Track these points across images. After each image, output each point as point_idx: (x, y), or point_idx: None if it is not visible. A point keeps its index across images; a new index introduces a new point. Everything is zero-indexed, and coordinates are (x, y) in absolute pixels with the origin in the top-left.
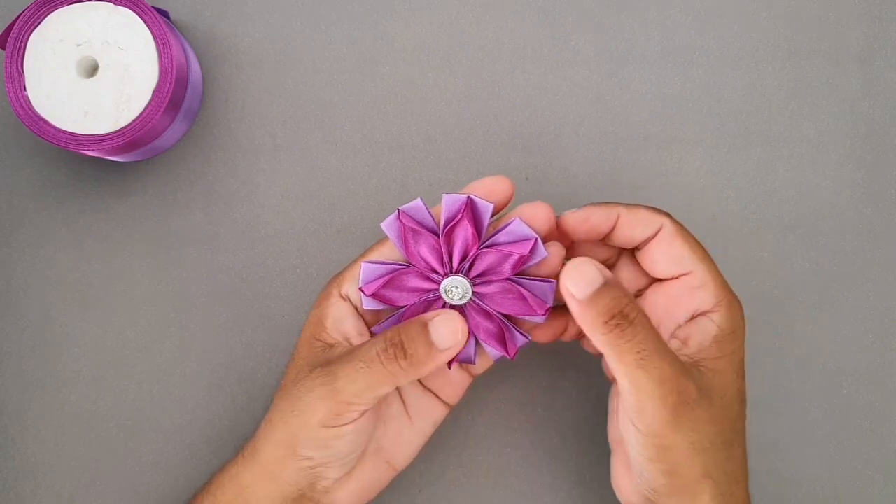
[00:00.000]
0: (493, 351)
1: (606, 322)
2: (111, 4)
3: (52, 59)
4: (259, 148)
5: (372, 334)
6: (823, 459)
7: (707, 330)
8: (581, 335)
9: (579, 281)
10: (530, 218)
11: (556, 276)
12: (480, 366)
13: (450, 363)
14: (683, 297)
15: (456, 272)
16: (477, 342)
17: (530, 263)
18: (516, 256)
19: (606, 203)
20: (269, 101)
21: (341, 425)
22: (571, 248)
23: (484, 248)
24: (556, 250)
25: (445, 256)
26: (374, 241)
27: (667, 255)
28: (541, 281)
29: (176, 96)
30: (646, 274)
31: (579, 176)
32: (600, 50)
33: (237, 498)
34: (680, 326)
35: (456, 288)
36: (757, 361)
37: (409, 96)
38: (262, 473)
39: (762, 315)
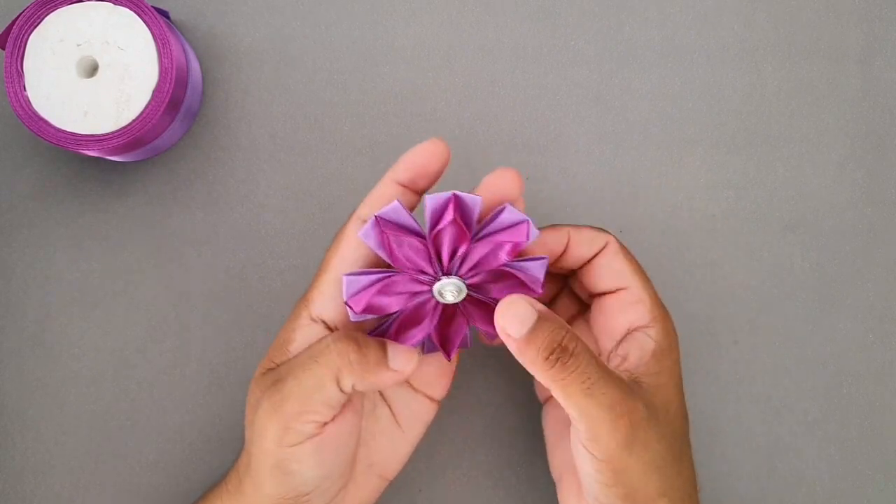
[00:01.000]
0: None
1: (547, 358)
2: (111, 4)
3: (51, 58)
4: (259, 148)
5: None
6: (823, 459)
7: (645, 345)
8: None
9: (513, 321)
10: (498, 185)
11: (548, 253)
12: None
13: (448, 354)
14: (620, 312)
15: (447, 272)
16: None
17: (523, 246)
18: (509, 245)
19: (556, 226)
20: (269, 101)
21: (297, 444)
22: None
23: (476, 240)
24: (551, 232)
25: (434, 257)
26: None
27: (608, 268)
28: (532, 260)
29: (176, 96)
30: (579, 301)
31: (579, 176)
32: (600, 50)
33: None
34: (619, 343)
35: (449, 290)
36: (757, 361)
37: (409, 96)
38: None
39: (762, 315)
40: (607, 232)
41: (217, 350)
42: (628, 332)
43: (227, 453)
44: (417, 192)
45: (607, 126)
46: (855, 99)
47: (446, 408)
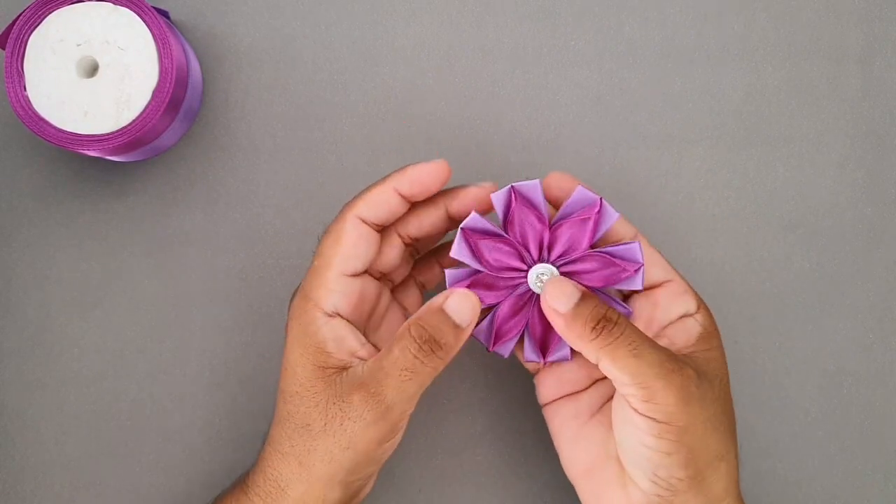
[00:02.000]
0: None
1: (594, 328)
2: (111, 4)
3: (52, 58)
4: (259, 148)
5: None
6: (823, 459)
7: (692, 329)
8: None
9: (560, 297)
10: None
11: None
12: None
13: (544, 359)
14: (669, 302)
15: (539, 261)
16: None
17: (604, 227)
18: (591, 220)
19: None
20: (269, 101)
21: (395, 435)
22: None
23: (555, 225)
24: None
25: (523, 251)
26: None
27: (650, 264)
28: (623, 245)
29: (176, 96)
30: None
31: (579, 176)
32: (600, 50)
33: None
34: (664, 328)
35: (544, 275)
36: (757, 361)
37: (409, 96)
38: None
39: (762, 315)
40: (632, 225)
41: (217, 350)
42: (679, 319)
43: (227, 453)
44: (411, 202)
45: (607, 126)
46: (855, 99)
47: (446, 408)
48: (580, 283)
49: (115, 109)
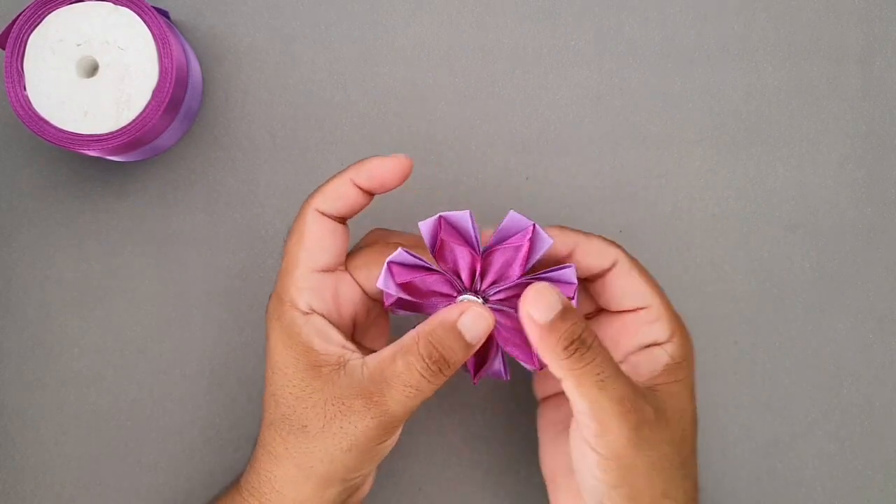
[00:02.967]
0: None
1: (566, 347)
2: (111, 4)
3: (51, 58)
4: (259, 148)
5: (351, 335)
6: (823, 459)
7: (658, 359)
8: None
9: (540, 306)
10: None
11: (567, 258)
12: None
13: (475, 377)
14: (638, 329)
15: (471, 289)
16: (503, 356)
17: (537, 255)
18: (524, 248)
19: (564, 228)
20: (269, 101)
21: (396, 432)
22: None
23: (486, 252)
24: (557, 233)
25: (453, 276)
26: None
27: (624, 289)
28: (560, 269)
29: (176, 96)
30: (593, 302)
31: (579, 176)
32: (600, 50)
33: None
34: (629, 354)
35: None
36: (757, 361)
37: (409, 96)
38: None
39: (762, 315)
40: (616, 245)
41: (217, 350)
42: (645, 348)
43: (227, 453)
44: (371, 195)
45: (607, 126)
46: (855, 99)
47: (446, 407)
48: (508, 309)
49: (114, 109)
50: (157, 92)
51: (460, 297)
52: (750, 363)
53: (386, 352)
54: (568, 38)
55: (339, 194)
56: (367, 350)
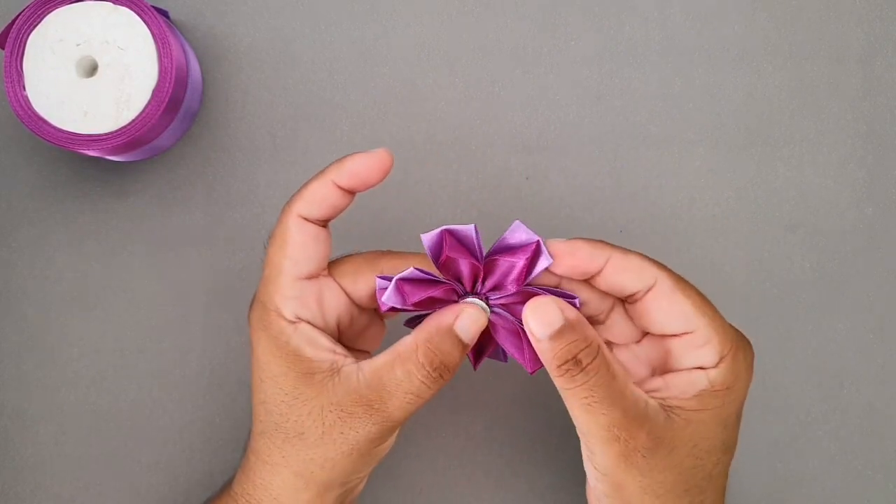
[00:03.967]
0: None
1: (559, 366)
2: (110, 4)
3: (51, 58)
4: (259, 148)
5: (340, 339)
6: (823, 459)
7: (694, 383)
8: None
9: (539, 322)
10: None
11: (576, 267)
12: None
13: (476, 364)
14: (683, 353)
15: (472, 292)
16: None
17: (536, 271)
18: (522, 263)
19: (597, 241)
20: (269, 101)
21: (392, 436)
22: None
23: (487, 259)
24: (590, 248)
25: (456, 284)
26: (373, 241)
27: (667, 312)
28: (557, 293)
29: (176, 96)
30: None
31: (579, 176)
32: (600, 50)
33: None
34: (666, 374)
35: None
36: (757, 361)
37: (409, 96)
38: None
39: (762, 315)
40: (657, 263)
41: (217, 350)
42: (686, 370)
43: (227, 453)
44: (353, 194)
45: (607, 126)
46: (856, 99)
47: (446, 408)
48: (507, 314)
49: (114, 109)
50: (156, 92)
51: (464, 300)
52: None
53: (382, 358)
54: (568, 38)
55: (321, 197)
56: (360, 354)
